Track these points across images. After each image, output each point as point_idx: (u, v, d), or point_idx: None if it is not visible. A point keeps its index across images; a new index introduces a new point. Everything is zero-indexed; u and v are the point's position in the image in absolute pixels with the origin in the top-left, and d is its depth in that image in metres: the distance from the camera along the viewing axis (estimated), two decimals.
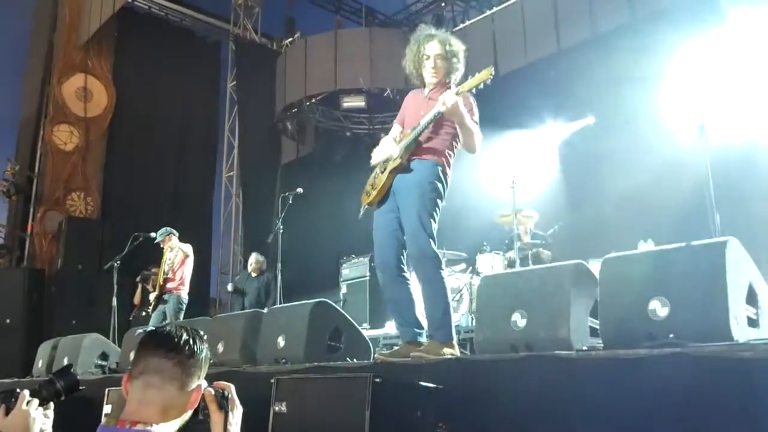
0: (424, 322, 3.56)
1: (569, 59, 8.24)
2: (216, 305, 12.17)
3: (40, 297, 9.49)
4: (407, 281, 3.61)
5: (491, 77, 3.35)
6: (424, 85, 3.75)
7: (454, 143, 3.63)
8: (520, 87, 8.41)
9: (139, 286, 8.96)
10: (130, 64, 11.30)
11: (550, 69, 8.63)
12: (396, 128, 3.87)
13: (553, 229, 7.25)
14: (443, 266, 3.51)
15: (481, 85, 3.38)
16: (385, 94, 11.08)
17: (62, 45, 10.87)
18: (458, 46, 3.64)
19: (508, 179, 6.79)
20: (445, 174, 3.59)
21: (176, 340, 1.57)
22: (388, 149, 3.72)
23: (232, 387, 1.65)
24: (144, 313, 8.12)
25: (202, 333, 1.65)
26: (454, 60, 3.62)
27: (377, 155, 3.80)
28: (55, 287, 9.61)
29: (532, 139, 8.71)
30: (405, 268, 3.61)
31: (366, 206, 3.75)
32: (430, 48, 3.60)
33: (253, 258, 8.70)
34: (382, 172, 3.68)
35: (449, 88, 3.55)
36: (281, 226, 7.05)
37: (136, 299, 8.98)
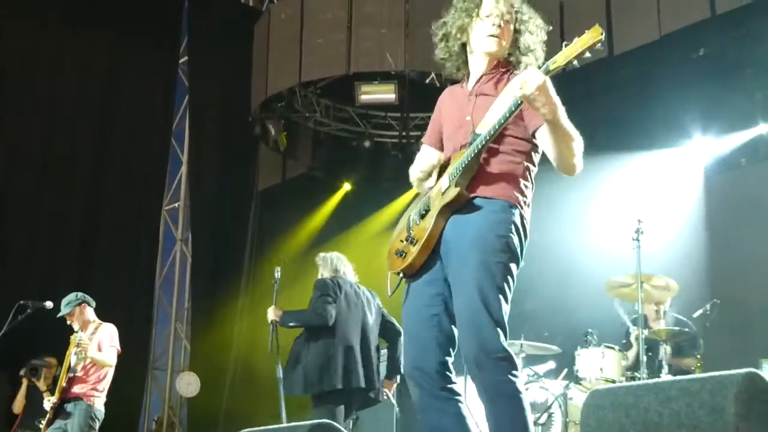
0: None
1: (733, 24, 8.27)
2: (161, 423, 12.24)
3: None
4: (457, 398, 3.58)
5: (600, 42, 3.29)
6: (464, 78, 3.78)
7: (531, 168, 3.62)
8: (645, 78, 8.47)
9: (24, 383, 8.98)
10: (22, 26, 11.38)
11: (698, 44, 8.69)
12: (427, 154, 3.90)
13: (704, 309, 7.20)
14: (518, 370, 3.48)
15: (586, 55, 3.29)
16: (427, 81, 11.14)
17: None
18: (537, 17, 3.70)
19: (629, 225, 6.78)
20: (523, 221, 3.58)
21: None
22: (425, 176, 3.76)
23: None
24: None
25: None
26: (530, 30, 3.66)
27: (417, 173, 3.84)
28: None
29: (665, 163, 8.76)
30: (453, 376, 3.60)
31: (400, 275, 3.74)
32: (496, 6, 3.67)
33: None
34: (423, 216, 3.68)
35: (510, 70, 3.60)
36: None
37: (17, 406, 8.99)
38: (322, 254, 7.25)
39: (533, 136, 3.51)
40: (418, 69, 10.54)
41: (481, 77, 3.68)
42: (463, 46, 3.74)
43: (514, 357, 3.46)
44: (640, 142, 8.99)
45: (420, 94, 10.74)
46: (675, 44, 8.63)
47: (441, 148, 3.83)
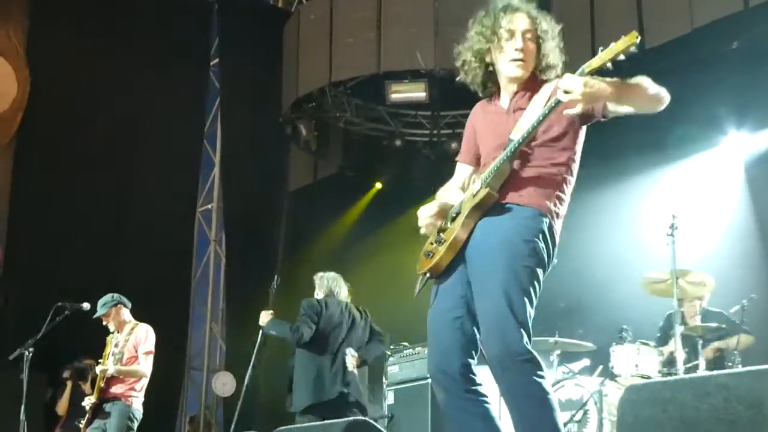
0: None
1: (767, 17, 8.21)
2: (196, 422, 12.32)
3: None
4: (482, 398, 3.58)
5: (635, 45, 3.30)
6: (494, 93, 3.75)
7: (567, 180, 3.61)
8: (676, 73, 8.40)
9: (69, 385, 9.06)
10: (57, 35, 11.56)
11: (730, 37, 8.60)
12: (462, 171, 3.89)
13: (742, 305, 7.12)
14: (544, 371, 3.47)
15: (620, 57, 3.31)
16: (458, 79, 11.13)
17: None
18: (553, 24, 3.66)
19: (664, 221, 6.76)
20: (552, 230, 3.57)
21: None
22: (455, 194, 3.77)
23: None
24: None
25: None
26: (552, 43, 3.62)
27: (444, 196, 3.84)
28: None
29: (702, 158, 8.86)
30: (477, 378, 3.59)
31: (426, 276, 3.74)
32: (514, 22, 3.62)
33: None
34: (454, 220, 3.68)
35: (540, 82, 3.56)
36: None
37: (62, 407, 9.05)
38: (320, 274, 7.75)
39: (604, 116, 3.49)
40: (448, 67, 10.47)
41: (516, 93, 3.65)
42: (486, 66, 3.68)
43: (539, 358, 3.44)
44: (674, 138, 8.92)
45: (450, 92, 10.65)
46: (707, 38, 8.56)
47: (477, 165, 3.81)
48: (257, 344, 7.59)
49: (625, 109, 3.43)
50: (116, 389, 7.41)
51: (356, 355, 7.28)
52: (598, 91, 3.26)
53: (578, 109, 3.30)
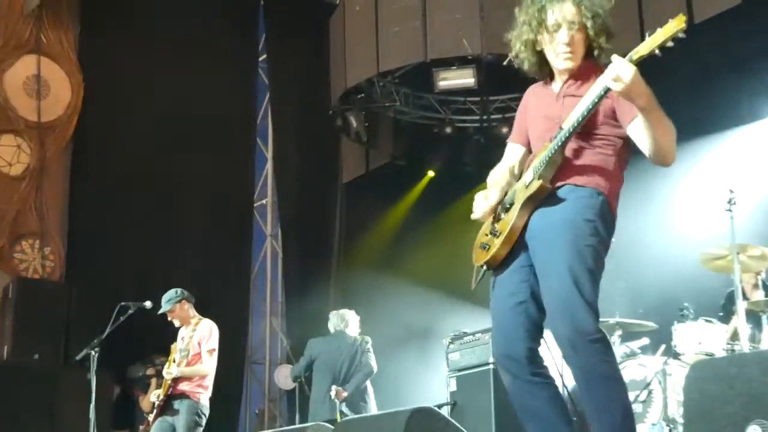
0: None
1: None
2: (262, 415, 12.41)
3: None
4: (548, 381, 3.59)
5: (683, 30, 3.23)
6: (547, 77, 3.73)
7: (621, 163, 3.59)
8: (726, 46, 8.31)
9: (153, 383, 9.29)
10: (106, 38, 11.70)
11: None
12: (513, 151, 3.88)
13: None
14: (612, 349, 3.46)
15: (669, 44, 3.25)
16: (505, 63, 11.06)
17: (2, 13, 11.37)
18: (601, 2, 3.57)
19: (721, 196, 6.69)
20: (611, 209, 3.55)
21: None
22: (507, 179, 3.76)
23: None
24: None
25: None
26: (600, 27, 3.55)
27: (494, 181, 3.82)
28: None
29: (755, 131, 8.72)
30: (543, 361, 3.61)
31: (483, 267, 3.75)
32: (560, 12, 3.56)
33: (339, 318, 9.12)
34: (507, 210, 3.67)
35: (595, 70, 3.50)
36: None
37: (146, 404, 9.21)
38: (332, 311, 9.13)
39: (626, 130, 3.47)
40: (495, 52, 10.43)
41: (567, 80, 3.64)
42: (538, 53, 3.66)
43: (608, 338, 3.45)
44: (725, 112, 8.80)
45: (498, 76, 10.62)
46: (758, 9, 8.42)
47: (527, 146, 3.81)
48: None
49: (643, 135, 3.37)
50: (184, 386, 7.53)
51: (339, 389, 8.38)
52: (643, 90, 3.21)
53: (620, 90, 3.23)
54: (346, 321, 8.88)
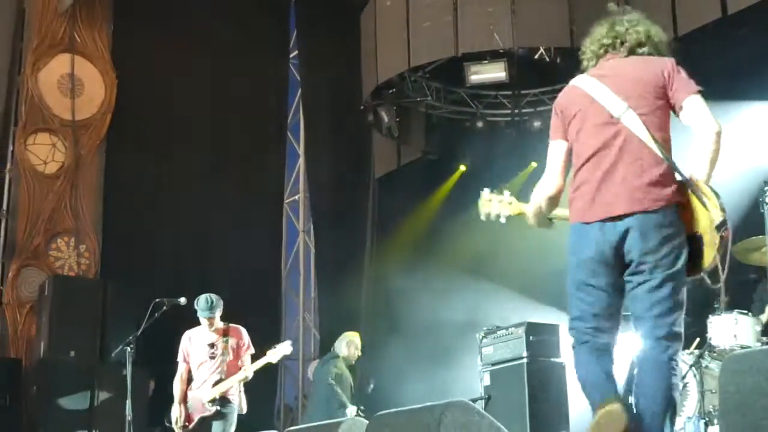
0: None
1: None
2: (289, 413, 12.48)
3: (15, 400, 9.95)
4: (610, 359, 3.70)
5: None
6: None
7: None
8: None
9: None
10: (139, 37, 11.86)
11: None
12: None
13: None
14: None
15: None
16: (536, 57, 11.01)
17: (37, 12, 11.55)
18: (661, 35, 3.86)
19: (755, 183, 6.70)
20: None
21: None
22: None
23: None
24: None
25: None
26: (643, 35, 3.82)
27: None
28: (37, 385, 10.03)
29: None
30: (611, 342, 3.72)
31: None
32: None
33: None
34: None
35: None
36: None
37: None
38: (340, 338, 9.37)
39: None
40: (526, 45, 10.40)
41: None
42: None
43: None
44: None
45: (530, 70, 10.65)
46: None
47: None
48: None
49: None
50: (231, 391, 7.60)
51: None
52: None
53: None
54: (349, 346, 9.27)
